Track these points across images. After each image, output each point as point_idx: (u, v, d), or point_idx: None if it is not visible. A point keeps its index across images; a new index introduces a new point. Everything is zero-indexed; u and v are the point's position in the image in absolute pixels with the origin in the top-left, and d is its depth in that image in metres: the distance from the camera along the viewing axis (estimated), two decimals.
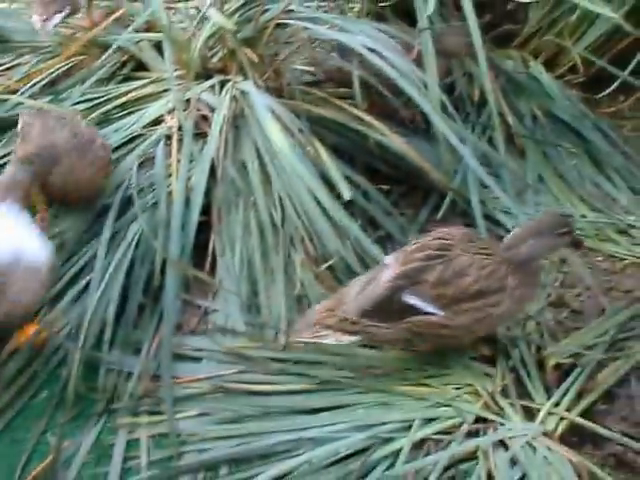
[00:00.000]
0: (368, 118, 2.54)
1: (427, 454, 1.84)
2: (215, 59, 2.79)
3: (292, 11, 2.60)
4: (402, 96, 2.53)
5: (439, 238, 2.04)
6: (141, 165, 2.54)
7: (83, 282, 2.32)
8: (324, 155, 2.41)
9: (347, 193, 2.35)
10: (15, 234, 2.10)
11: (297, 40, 2.63)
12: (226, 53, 2.70)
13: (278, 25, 2.62)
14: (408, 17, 2.80)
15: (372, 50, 2.44)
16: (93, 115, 2.80)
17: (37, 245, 2.11)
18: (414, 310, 1.98)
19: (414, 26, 2.67)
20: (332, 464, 1.85)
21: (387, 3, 2.92)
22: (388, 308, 1.98)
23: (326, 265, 2.30)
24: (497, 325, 2.07)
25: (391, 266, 2.03)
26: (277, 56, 2.64)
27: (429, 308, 1.98)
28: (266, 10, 2.61)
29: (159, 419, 2.06)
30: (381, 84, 2.48)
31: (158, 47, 3.10)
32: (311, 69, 2.73)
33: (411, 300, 1.98)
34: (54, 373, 2.20)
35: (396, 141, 2.50)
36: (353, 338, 2.03)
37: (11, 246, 2.07)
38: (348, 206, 2.43)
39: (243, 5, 2.69)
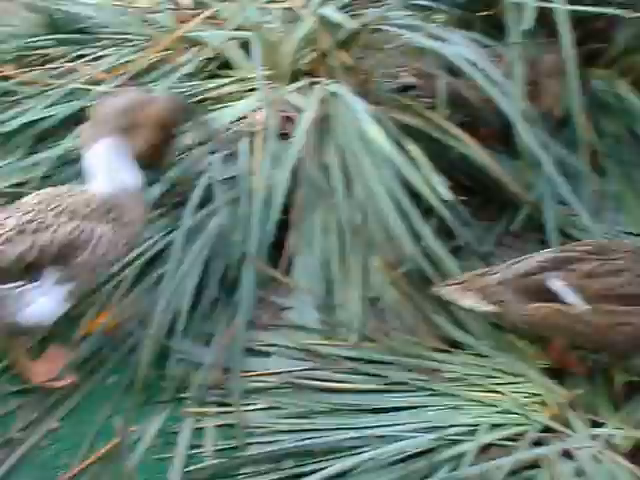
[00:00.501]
0: (452, 129, 2.70)
1: (492, 459, 1.98)
2: (303, 61, 2.98)
3: (386, 17, 2.79)
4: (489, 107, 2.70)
5: (604, 245, 2.19)
6: (224, 160, 2.74)
7: (159, 271, 2.50)
8: (421, 158, 2.57)
9: (447, 194, 2.50)
10: (119, 165, 2.28)
11: (391, 46, 2.80)
12: (317, 55, 2.90)
13: (373, 30, 2.80)
14: (495, 28, 2.94)
15: (467, 60, 2.61)
16: None
17: (136, 175, 2.29)
18: (554, 297, 2.10)
19: (500, 38, 2.82)
20: (397, 462, 2.01)
21: (478, 14, 3.09)
22: (530, 287, 2.14)
23: (402, 270, 2.46)
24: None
25: (547, 254, 2.20)
26: (367, 60, 2.82)
27: (569, 297, 2.09)
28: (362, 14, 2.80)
29: (226, 410, 2.23)
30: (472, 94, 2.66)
31: (244, 46, 3.37)
32: (399, 75, 2.91)
33: (554, 285, 2.11)
34: (123, 359, 2.38)
35: (479, 153, 2.66)
36: (489, 308, 2.20)
37: (118, 176, 2.26)
38: (426, 214, 2.58)
39: (341, 8, 2.87)
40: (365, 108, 2.61)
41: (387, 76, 2.94)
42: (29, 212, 2.18)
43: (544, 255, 2.20)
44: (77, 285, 2.21)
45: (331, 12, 2.84)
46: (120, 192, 2.23)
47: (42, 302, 2.18)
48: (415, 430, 2.06)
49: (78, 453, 2.17)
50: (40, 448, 2.19)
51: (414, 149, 2.57)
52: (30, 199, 2.26)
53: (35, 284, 2.15)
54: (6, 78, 3.47)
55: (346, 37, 2.82)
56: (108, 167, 2.24)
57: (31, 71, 3.47)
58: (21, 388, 2.31)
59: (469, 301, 2.23)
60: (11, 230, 2.13)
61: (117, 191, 2.23)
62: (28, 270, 2.13)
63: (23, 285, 2.14)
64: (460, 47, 2.66)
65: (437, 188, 2.52)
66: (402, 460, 2.01)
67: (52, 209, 2.18)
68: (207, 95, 3.09)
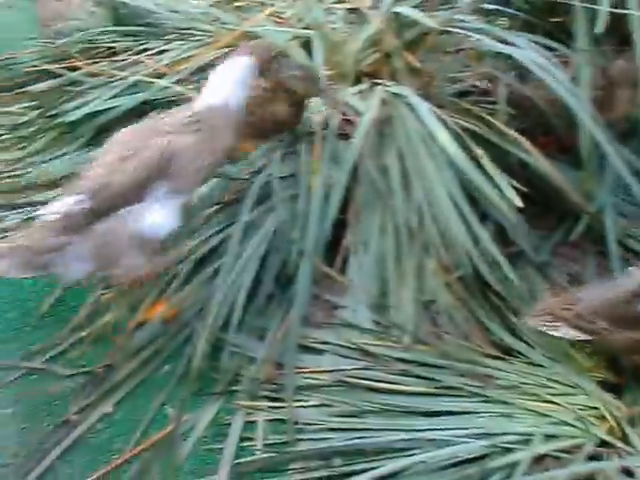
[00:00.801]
0: (513, 135, 2.67)
1: (546, 470, 1.96)
2: (366, 62, 2.98)
3: (455, 19, 2.77)
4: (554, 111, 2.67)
5: None
6: (283, 158, 2.76)
7: (215, 265, 2.53)
8: (487, 162, 2.55)
9: (517, 200, 2.48)
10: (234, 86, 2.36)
11: (456, 49, 2.79)
12: (380, 57, 2.89)
13: (440, 32, 2.78)
14: (561, 33, 2.89)
15: (535, 63, 2.58)
16: None
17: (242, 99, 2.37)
18: None
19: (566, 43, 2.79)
20: (448, 467, 1.99)
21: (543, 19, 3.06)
22: (625, 314, 2.12)
23: (457, 274, 2.45)
24: None
25: (636, 275, 2.17)
26: (431, 63, 2.81)
27: None
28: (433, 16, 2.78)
29: (277, 405, 2.24)
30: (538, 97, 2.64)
31: (306, 46, 3.38)
32: (462, 78, 2.90)
33: None
34: (178, 349, 2.41)
35: (540, 160, 2.62)
36: (584, 336, 2.18)
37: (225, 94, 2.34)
38: (483, 219, 2.57)
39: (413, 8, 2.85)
40: (430, 109, 2.60)
41: (450, 80, 2.91)
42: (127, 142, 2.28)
43: (631, 280, 2.16)
44: (182, 198, 2.28)
45: (408, 10, 2.82)
46: (217, 108, 2.30)
47: (157, 217, 2.24)
48: (467, 436, 2.04)
49: (131, 439, 2.20)
50: (95, 431, 2.22)
51: (480, 153, 2.55)
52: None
53: (146, 202, 2.23)
54: (74, 69, 3.57)
55: (414, 38, 2.82)
56: (224, 84, 2.34)
57: (97, 63, 3.56)
58: (77, 371, 2.36)
59: (561, 332, 2.20)
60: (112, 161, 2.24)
61: (215, 106, 2.30)
62: (139, 191, 2.21)
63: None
64: (528, 50, 2.63)
65: (505, 193, 2.50)
66: (453, 465, 2.00)
67: (148, 132, 2.29)
68: None
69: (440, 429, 2.09)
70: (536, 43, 2.71)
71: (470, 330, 2.39)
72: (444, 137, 2.56)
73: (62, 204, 2.21)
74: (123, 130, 2.36)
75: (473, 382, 2.20)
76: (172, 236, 2.34)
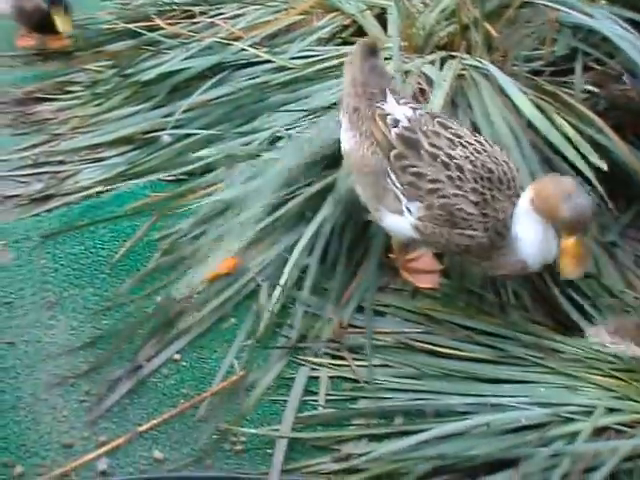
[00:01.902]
0: (588, 113, 2.64)
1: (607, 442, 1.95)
2: (441, 35, 2.98)
3: None
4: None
5: None
6: None
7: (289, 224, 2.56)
8: (570, 130, 2.53)
9: (602, 164, 2.45)
10: None
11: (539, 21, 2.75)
12: (456, 29, 2.88)
13: (521, 4, 2.75)
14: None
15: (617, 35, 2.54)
16: (309, 70, 3.09)
17: None
18: None
19: None
20: (508, 432, 1.99)
21: None
22: None
23: None
24: None
25: None
26: (510, 37, 2.78)
27: None
28: None
29: (340, 363, 2.27)
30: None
31: (379, 17, 3.38)
32: (539, 55, 2.86)
33: None
34: (244, 303, 2.44)
35: (614, 140, 2.58)
36: None
37: None
38: None
39: None
40: (509, 81, 2.58)
41: (527, 55, 2.88)
42: None
43: None
44: None
45: None
46: None
47: None
48: (529, 404, 2.04)
49: (197, 386, 2.24)
50: (162, 376, 2.27)
51: (562, 123, 2.52)
52: None
53: None
54: (153, 30, 3.61)
55: (494, 9, 2.78)
56: None
57: (176, 24, 3.60)
58: (145, 318, 2.39)
59: (629, 350, 2.19)
60: None
61: None
62: None
63: None
64: (608, 22, 2.59)
65: (590, 159, 2.46)
66: (514, 430, 1.99)
67: None
68: (340, 60, 3.11)
69: (501, 395, 2.08)
70: (618, 16, 2.68)
71: (534, 304, 2.39)
72: (525, 104, 2.53)
73: None
74: None
75: (536, 353, 2.20)
76: None
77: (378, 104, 2.29)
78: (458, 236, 2.16)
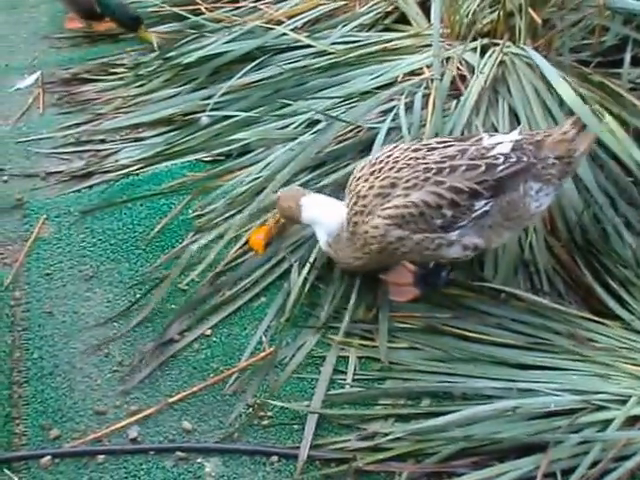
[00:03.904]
0: (634, 101, 2.57)
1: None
2: (482, 22, 2.94)
3: None
4: None
5: None
6: (390, 110, 2.75)
7: None
8: (615, 125, 2.47)
9: None
10: None
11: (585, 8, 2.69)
12: (499, 16, 2.83)
13: None
14: None
15: None
16: (349, 56, 3.07)
17: None
18: None
19: None
20: (537, 417, 1.95)
21: None
22: None
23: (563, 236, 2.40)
24: None
25: None
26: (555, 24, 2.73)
27: None
28: None
29: (369, 344, 2.25)
30: None
31: (422, 5, 3.35)
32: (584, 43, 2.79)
33: None
34: (276, 283, 2.44)
35: None
36: None
37: None
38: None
39: None
40: (551, 68, 2.53)
41: (573, 43, 2.82)
42: None
43: None
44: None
45: None
46: None
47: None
48: (559, 390, 2.00)
49: (227, 361, 2.24)
50: (193, 350, 2.27)
51: (609, 118, 2.46)
52: None
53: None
54: (197, 14, 3.63)
55: None
56: None
57: (219, 9, 3.61)
58: (180, 294, 2.40)
59: None
60: None
61: None
62: None
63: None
64: None
65: (634, 156, 2.42)
66: (543, 416, 1.95)
67: None
68: (382, 46, 3.10)
69: (531, 381, 2.05)
70: None
71: (568, 291, 2.35)
72: (568, 92, 2.49)
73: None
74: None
75: (568, 340, 2.16)
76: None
77: None
78: None
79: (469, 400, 2.06)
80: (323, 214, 2.32)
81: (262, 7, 3.54)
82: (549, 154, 2.19)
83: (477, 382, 2.09)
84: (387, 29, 3.30)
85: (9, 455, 2.01)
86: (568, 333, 2.19)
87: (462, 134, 2.57)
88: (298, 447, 2.01)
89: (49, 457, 2.01)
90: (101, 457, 2.02)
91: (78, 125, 3.20)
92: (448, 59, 2.88)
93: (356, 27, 3.27)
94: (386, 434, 2.00)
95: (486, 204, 2.14)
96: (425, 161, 2.17)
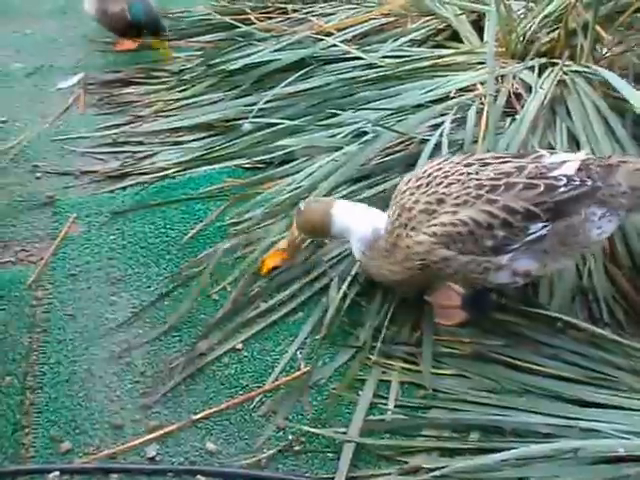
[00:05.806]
0: None
1: None
2: (541, 42, 2.70)
3: None
4: None
5: None
6: (453, 122, 2.49)
7: None
8: None
9: None
10: None
11: None
12: (559, 35, 2.59)
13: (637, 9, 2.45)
14: None
15: None
16: (400, 69, 2.84)
17: None
18: None
19: None
20: (602, 462, 1.66)
21: None
22: None
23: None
24: None
25: None
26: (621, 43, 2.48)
27: None
28: None
29: (413, 368, 1.98)
30: None
31: (475, 23, 3.12)
32: None
33: None
34: (314, 298, 2.19)
35: None
36: None
37: None
38: None
39: None
40: (621, 80, 2.27)
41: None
42: None
43: None
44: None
45: None
46: None
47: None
48: (626, 432, 1.71)
49: (258, 379, 1.98)
50: (223, 365, 2.02)
51: None
52: None
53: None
54: (247, 23, 3.43)
55: (608, 13, 2.48)
56: None
57: (269, 19, 3.43)
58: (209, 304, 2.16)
59: None
60: None
61: None
62: None
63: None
64: None
65: None
66: (610, 461, 1.66)
67: None
68: (433, 62, 2.86)
69: (593, 420, 1.76)
70: None
71: (630, 323, 2.06)
72: None
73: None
74: None
75: (632, 377, 1.87)
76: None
77: None
78: None
79: (522, 437, 1.78)
80: (356, 221, 2.06)
81: (312, 19, 3.33)
82: (621, 181, 1.93)
83: (530, 417, 1.81)
84: (438, 46, 3.06)
85: (14, 468, 1.74)
86: (631, 368, 1.91)
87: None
88: (332, 478, 1.73)
89: (57, 473, 1.74)
90: (114, 476, 1.75)
91: (117, 126, 2.99)
92: (503, 77, 2.63)
93: (407, 42, 3.04)
94: (430, 469, 1.71)
95: (543, 227, 1.88)
96: (478, 177, 1.92)
